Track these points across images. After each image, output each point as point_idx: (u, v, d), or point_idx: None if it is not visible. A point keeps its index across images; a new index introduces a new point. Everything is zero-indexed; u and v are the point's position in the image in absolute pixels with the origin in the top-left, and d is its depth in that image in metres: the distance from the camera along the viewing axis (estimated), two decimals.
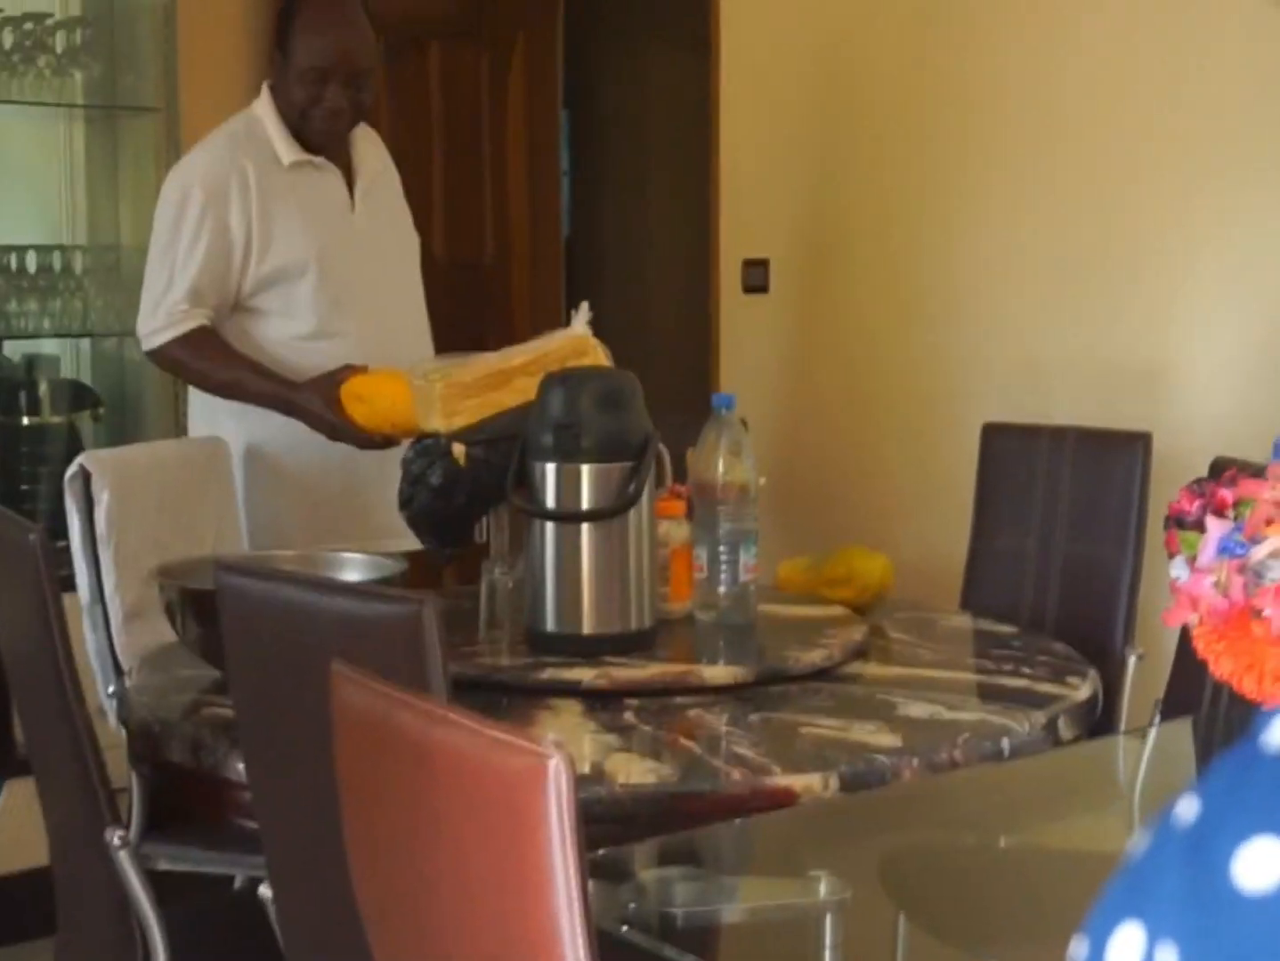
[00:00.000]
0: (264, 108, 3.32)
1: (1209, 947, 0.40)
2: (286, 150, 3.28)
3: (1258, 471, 1.85)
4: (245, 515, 3.31)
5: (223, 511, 3.22)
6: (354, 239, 3.35)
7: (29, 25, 4.30)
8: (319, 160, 3.31)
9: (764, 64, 4.71)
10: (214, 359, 3.25)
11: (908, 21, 4.31)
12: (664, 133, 6.70)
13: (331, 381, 3.10)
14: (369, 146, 3.44)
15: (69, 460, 3.02)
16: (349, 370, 3.09)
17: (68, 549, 2.95)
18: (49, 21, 4.37)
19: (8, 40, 4.27)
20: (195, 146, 3.41)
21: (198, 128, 4.50)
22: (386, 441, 3.04)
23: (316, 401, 3.10)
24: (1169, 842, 0.41)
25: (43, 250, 4.38)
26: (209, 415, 3.39)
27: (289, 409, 3.17)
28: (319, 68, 3.21)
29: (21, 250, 4.32)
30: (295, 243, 3.27)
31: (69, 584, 2.82)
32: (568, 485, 2.52)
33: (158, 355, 3.33)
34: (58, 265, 4.38)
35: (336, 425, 3.06)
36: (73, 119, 4.56)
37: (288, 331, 3.30)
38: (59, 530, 3.00)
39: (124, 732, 2.54)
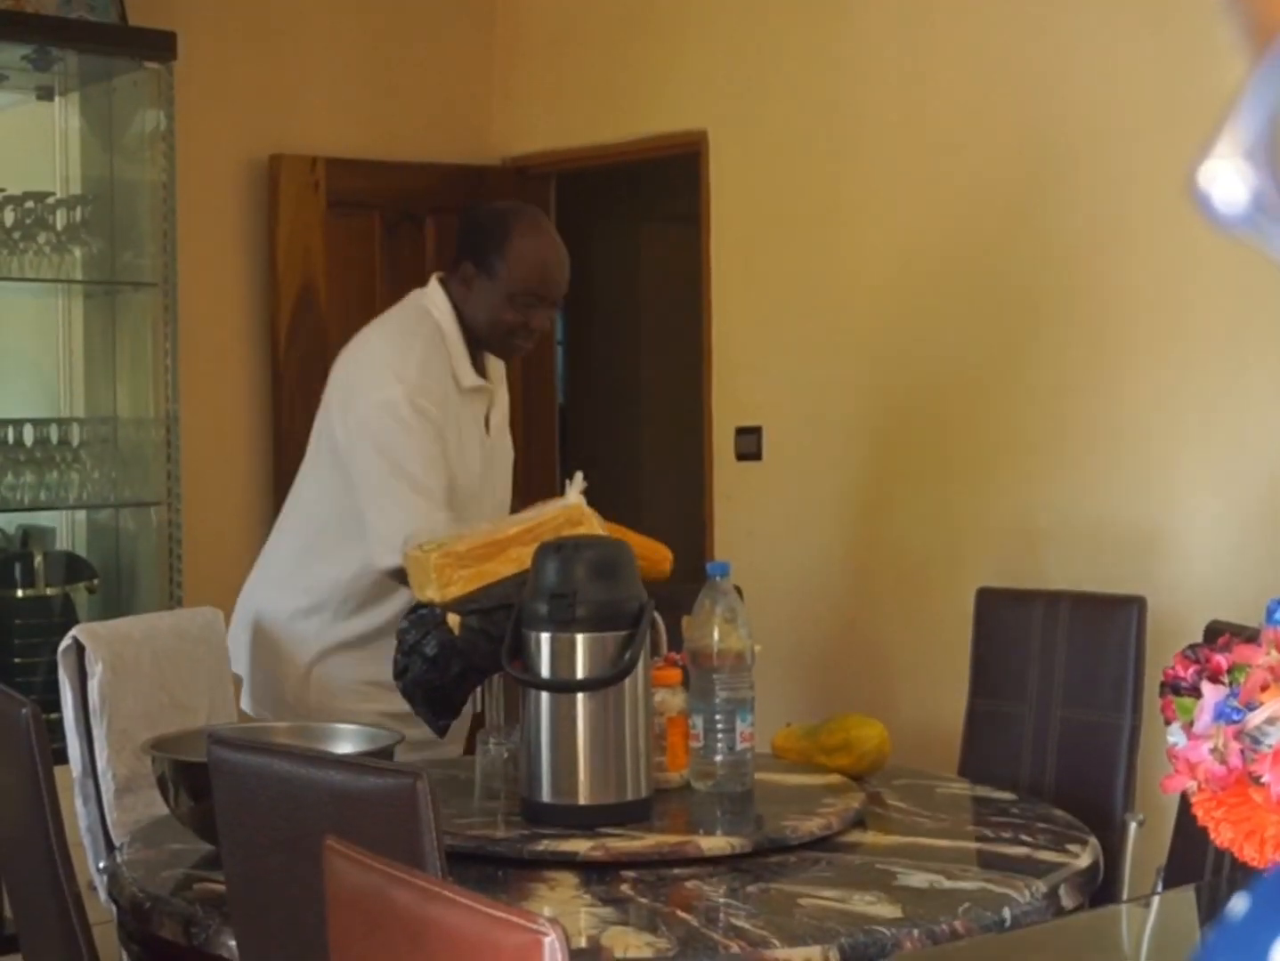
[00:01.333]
0: (445, 317, 3.16)
1: None
2: (466, 373, 3.16)
3: (1252, 636, 1.85)
4: (251, 683, 3.30)
5: (216, 683, 3.21)
6: (485, 463, 3.25)
7: (30, 204, 4.38)
8: (490, 386, 3.24)
9: (754, 235, 4.78)
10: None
11: (899, 188, 4.38)
12: (656, 302, 6.78)
13: None
14: (496, 360, 3.33)
15: (63, 632, 3.01)
16: None
17: (60, 721, 2.94)
18: (50, 200, 4.44)
19: (9, 218, 4.34)
20: (390, 349, 3.15)
21: (195, 303, 4.57)
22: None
23: None
24: (1221, 936, 0.43)
25: (40, 423, 4.41)
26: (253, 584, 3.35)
27: None
28: (536, 292, 3.12)
29: (19, 423, 4.35)
30: (459, 468, 3.16)
31: (61, 756, 2.80)
32: (563, 654, 2.52)
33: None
34: (55, 438, 4.41)
35: None
36: (71, 294, 4.62)
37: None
38: (53, 703, 2.99)
39: (114, 908, 2.51)
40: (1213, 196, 0.33)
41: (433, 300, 3.19)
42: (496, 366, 3.32)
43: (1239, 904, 0.44)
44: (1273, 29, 0.33)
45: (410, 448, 3.03)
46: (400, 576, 2.94)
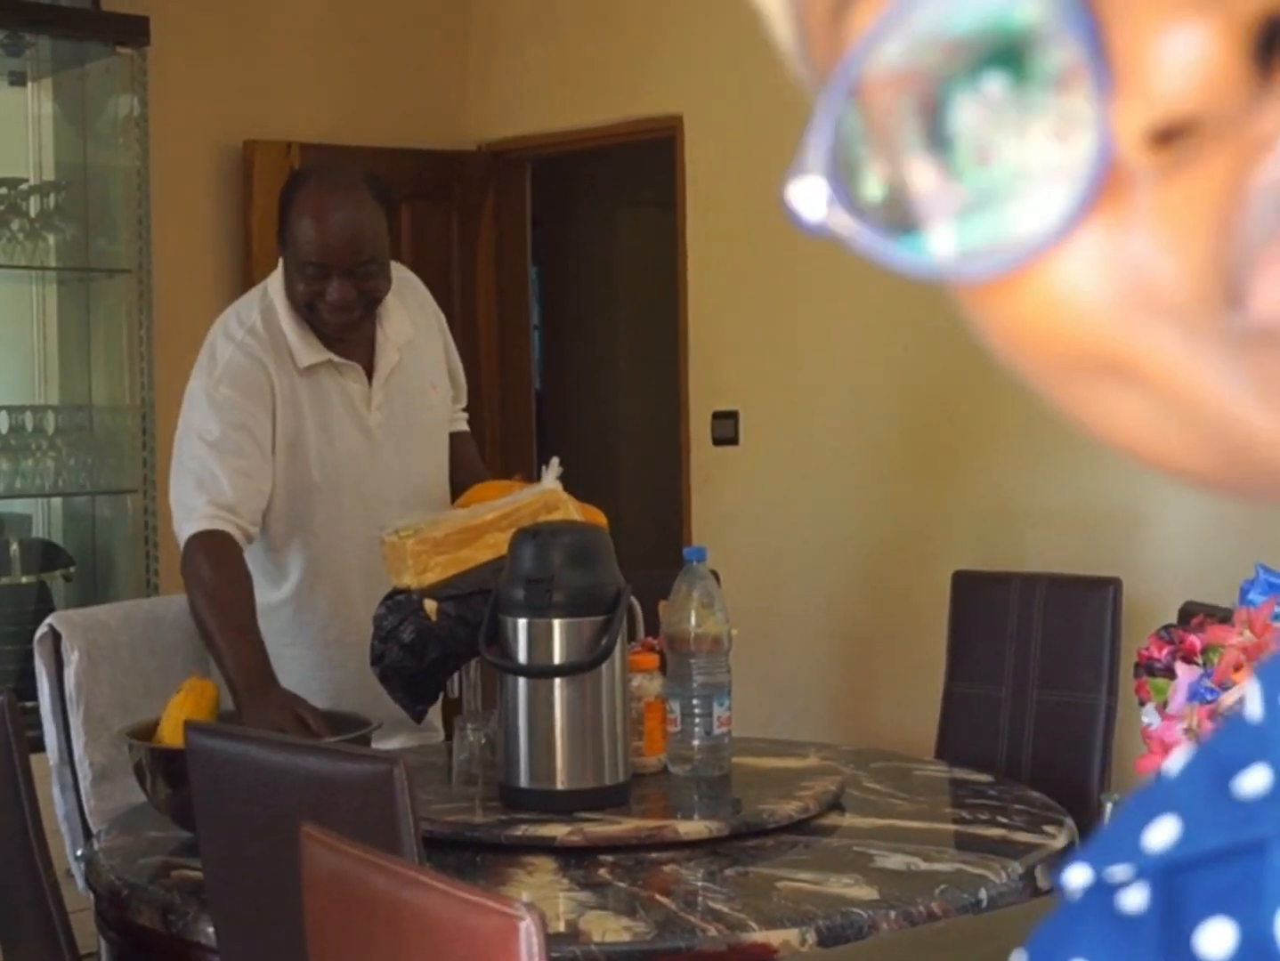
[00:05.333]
0: (278, 296, 3.04)
1: None
2: (303, 351, 3.01)
3: (1225, 617, 1.86)
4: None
5: (193, 670, 3.20)
6: (368, 449, 3.09)
7: (3, 190, 4.36)
8: (337, 359, 3.05)
9: (729, 219, 4.78)
10: (207, 586, 2.81)
11: None
12: (632, 287, 6.78)
13: (294, 706, 2.65)
14: (399, 312, 3.14)
15: (39, 620, 3.00)
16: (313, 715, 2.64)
17: (37, 709, 2.93)
18: (23, 186, 4.42)
19: None
20: (216, 337, 3.05)
21: (170, 289, 4.56)
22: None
23: (267, 718, 2.59)
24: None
25: (14, 410, 4.40)
26: None
27: (236, 695, 2.72)
28: (318, 262, 2.92)
29: None
30: (318, 459, 3.03)
31: (38, 744, 2.79)
32: (539, 640, 2.52)
33: (184, 560, 2.90)
34: (30, 425, 4.39)
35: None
36: (46, 281, 4.61)
37: (292, 549, 3.05)
38: (30, 691, 2.98)
39: (92, 896, 2.50)
40: (799, 210, 0.40)
41: (274, 280, 3.07)
42: (398, 316, 3.13)
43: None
44: (826, 72, 0.40)
45: (200, 431, 2.93)
46: (188, 550, 2.86)
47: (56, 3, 4.35)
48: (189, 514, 2.88)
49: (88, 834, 2.83)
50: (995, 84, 0.37)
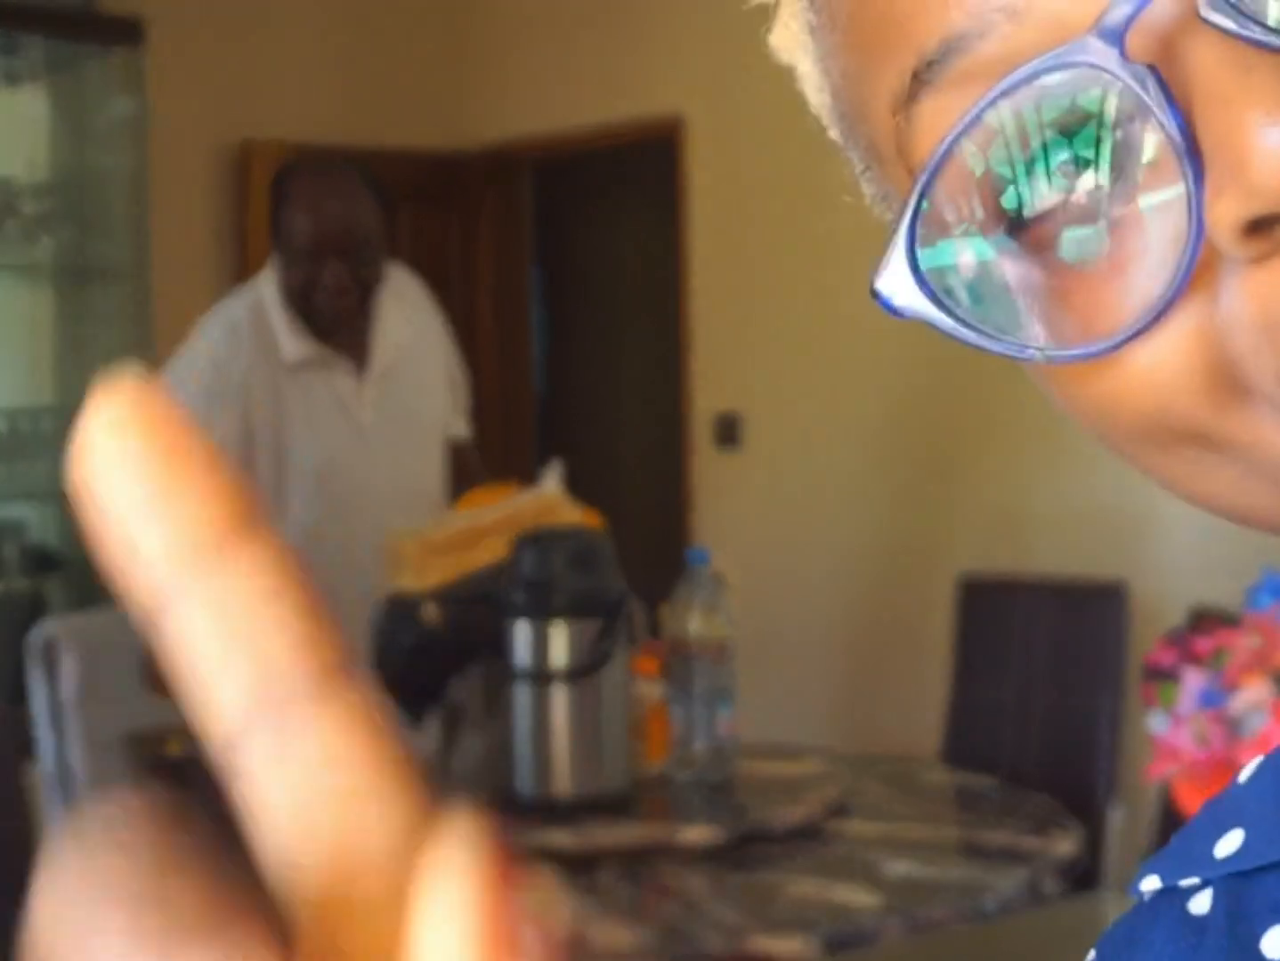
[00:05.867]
0: (269, 289, 3.04)
1: None
2: (292, 345, 3.00)
3: (1234, 620, 1.84)
4: None
5: None
6: (359, 445, 3.08)
7: None
8: (326, 354, 3.04)
9: (732, 220, 4.76)
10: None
11: None
12: (635, 288, 6.76)
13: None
14: (396, 315, 3.13)
15: (34, 626, 2.98)
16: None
17: (32, 716, 2.91)
18: (18, 187, 4.40)
19: None
20: (195, 334, 3.10)
21: (168, 291, 4.54)
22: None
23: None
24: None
25: (10, 413, 4.38)
26: None
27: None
28: (312, 247, 2.92)
29: None
30: (303, 452, 3.03)
31: (32, 751, 2.78)
32: (540, 644, 2.50)
33: None
34: (26, 428, 4.37)
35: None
36: (42, 282, 4.59)
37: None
38: (24, 697, 2.96)
39: None
40: (888, 299, 0.42)
41: (265, 277, 3.07)
42: (395, 315, 3.13)
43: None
44: (884, 155, 0.43)
45: None
46: None
47: (51, 4, 4.33)
48: None
49: None
50: (1081, 169, 0.38)
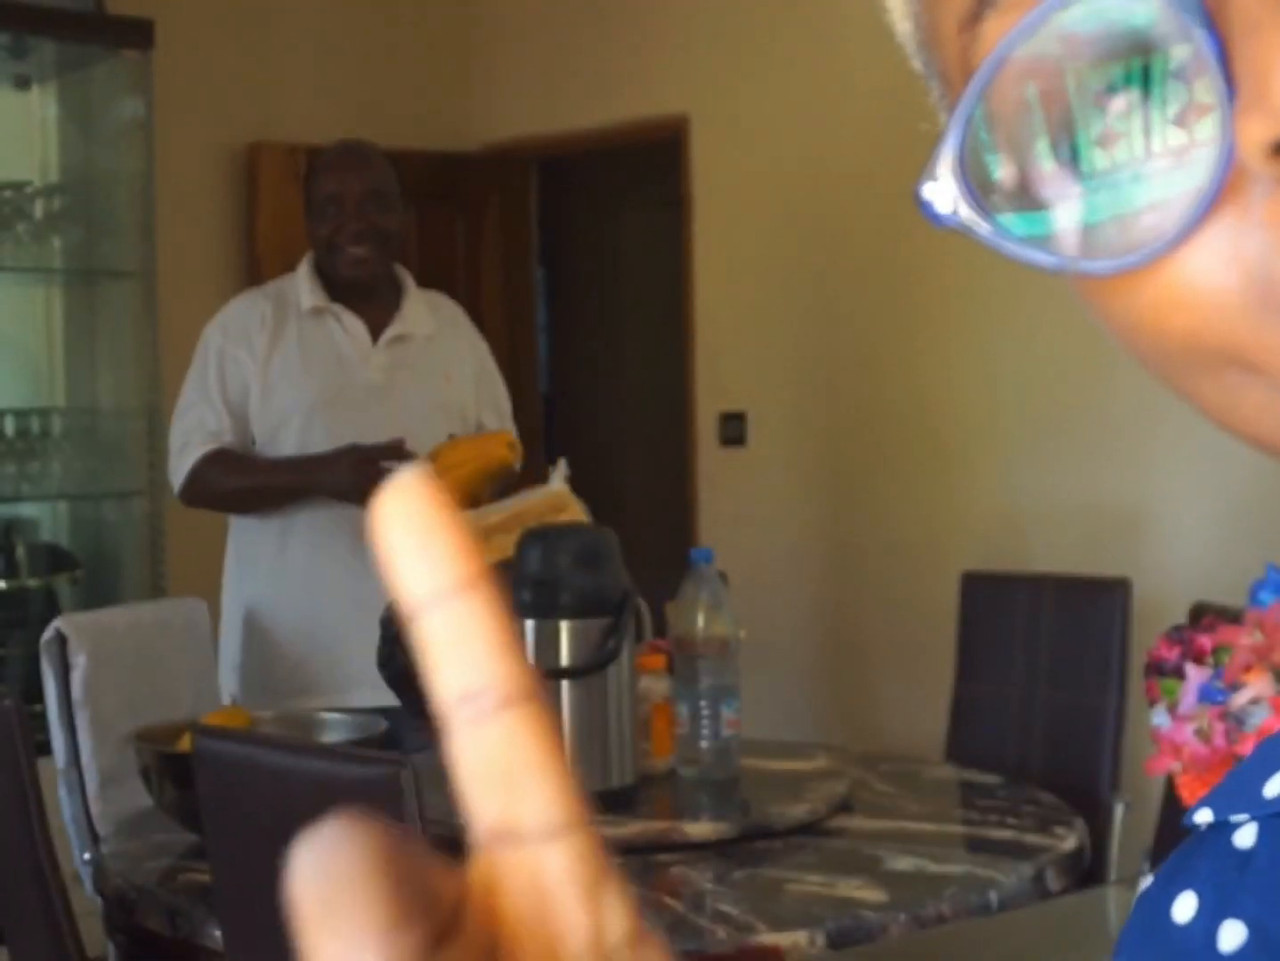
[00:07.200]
0: (305, 261, 3.38)
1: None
2: (309, 296, 3.30)
3: (1236, 617, 1.85)
4: (240, 672, 3.28)
5: (201, 673, 3.20)
6: (361, 390, 3.30)
7: (8, 193, 4.36)
8: (338, 308, 3.31)
9: (737, 218, 4.77)
10: (232, 471, 3.24)
11: (881, 172, 4.37)
12: (640, 288, 6.77)
13: (358, 458, 3.09)
14: (424, 309, 3.42)
15: (46, 623, 3.00)
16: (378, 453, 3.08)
17: (44, 713, 2.93)
18: (28, 189, 4.42)
19: None
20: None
21: (175, 291, 4.55)
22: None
23: (343, 479, 3.09)
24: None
25: (21, 414, 4.39)
26: (235, 568, 3.38)
27: (316, 490, 3.18)
28: (332, 194, 3.25)
29: (0, 414, 4.34)
30: (290, 389, 3.26)
31: (45, 748, 2.79)
32: (546, 642, 2.51)
33: (187, 490, 3.27)
34: (36, 428, 4.39)
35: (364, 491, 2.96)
36: (51, 283, 4.60)
37: None
38: (36, 694, 2.97)
39: (99, 900, 2.50)
40: (931, 207, 0.44)
41: (303, 263, 3.39)
42: (421, 307, 3.40)
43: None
44: (952, 74, 0.44)
45: (199, 381, 3.30)
46: (183, 496, 3.28)
47: (60, 6, 4.34)
48: (182, 450, 3.25)
49: (94, 837, 2.82)
50: (1122, 84, 0.40)
